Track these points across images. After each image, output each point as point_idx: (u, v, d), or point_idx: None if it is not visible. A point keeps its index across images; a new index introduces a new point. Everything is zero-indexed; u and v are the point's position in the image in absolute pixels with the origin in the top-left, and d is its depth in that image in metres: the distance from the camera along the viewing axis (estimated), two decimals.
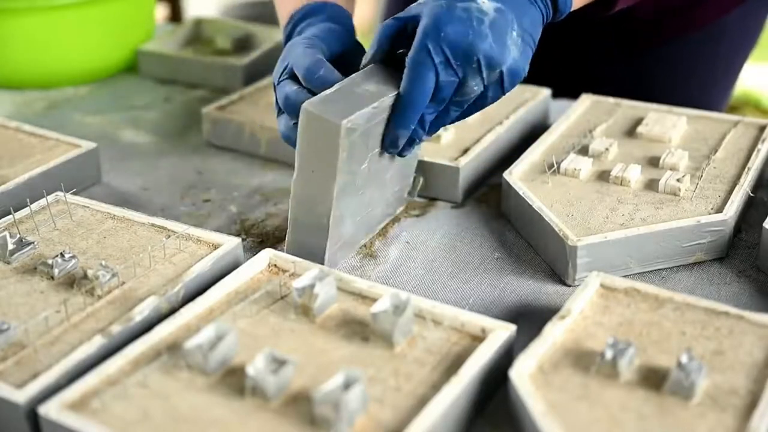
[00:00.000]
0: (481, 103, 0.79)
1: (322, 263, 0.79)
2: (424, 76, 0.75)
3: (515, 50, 0.76)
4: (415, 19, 0.77)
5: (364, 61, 0.80)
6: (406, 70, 0.76)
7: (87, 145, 0.98)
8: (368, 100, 0.75)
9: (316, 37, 0.83)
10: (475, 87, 0.77)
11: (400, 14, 0.79)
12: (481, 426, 0.65)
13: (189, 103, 1.19)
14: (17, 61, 1.23)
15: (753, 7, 1.18)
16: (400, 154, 0.81)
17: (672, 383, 0.62)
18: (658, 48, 1.18)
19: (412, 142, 0.80)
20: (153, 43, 1.29)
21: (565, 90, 1.14)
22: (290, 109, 0.79)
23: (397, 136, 0.78)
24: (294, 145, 0.77)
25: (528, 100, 1.04)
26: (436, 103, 0.77)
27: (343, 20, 0.88)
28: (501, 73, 0.76)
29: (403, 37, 0.79)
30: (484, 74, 0.76)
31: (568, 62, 1.21)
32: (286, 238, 0.81)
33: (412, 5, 0.79)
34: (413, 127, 0.78)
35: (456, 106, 0.78)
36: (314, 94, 0.77)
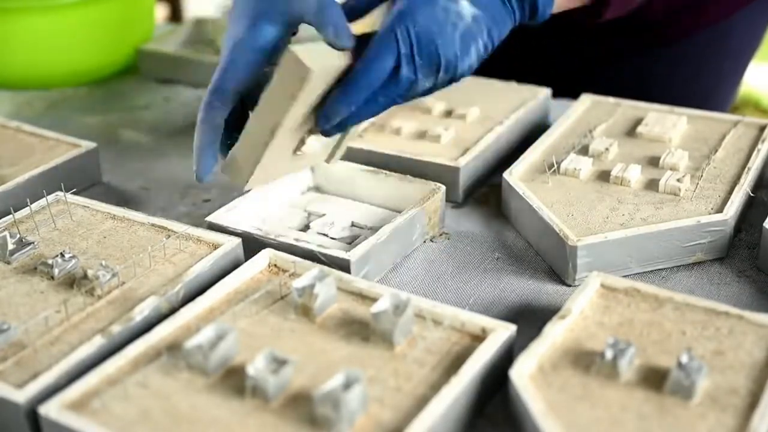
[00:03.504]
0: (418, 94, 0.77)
1: (245, 181, 0.78)
2: (385, 58, 0.72)
3: (474, 59, 0.76)
4: None
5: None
6: (370, 46, 0.72)
7: (87, 145, 0.98)
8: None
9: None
10: (427, 85, 0.75)
11: None
12: (481, 426, 0.65)
13: (189, 103, 1.19)
14: (17, 61, 1.22)
15: (759, 6, 1.18)
16: (325, 134, 0.76)
17: (672, 383, 0.62)
18: (663, 48, 1.18)
19: (341, 126, 0.75)
20: (153, 43, 1.29)
21: (566, 90, 1.14)
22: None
23: (335, 111, 0.73)
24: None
25: (528, 100, 1.04)
26: (385, 95, 0.74)
27: None
28: (453, 77, 0.76)
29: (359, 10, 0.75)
30: (439, 77, 0.75)
31: (570, 62, 1.20)
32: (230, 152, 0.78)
33: None
34: (353, 109, 0.73)
35: (401, 99, 0.76)
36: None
